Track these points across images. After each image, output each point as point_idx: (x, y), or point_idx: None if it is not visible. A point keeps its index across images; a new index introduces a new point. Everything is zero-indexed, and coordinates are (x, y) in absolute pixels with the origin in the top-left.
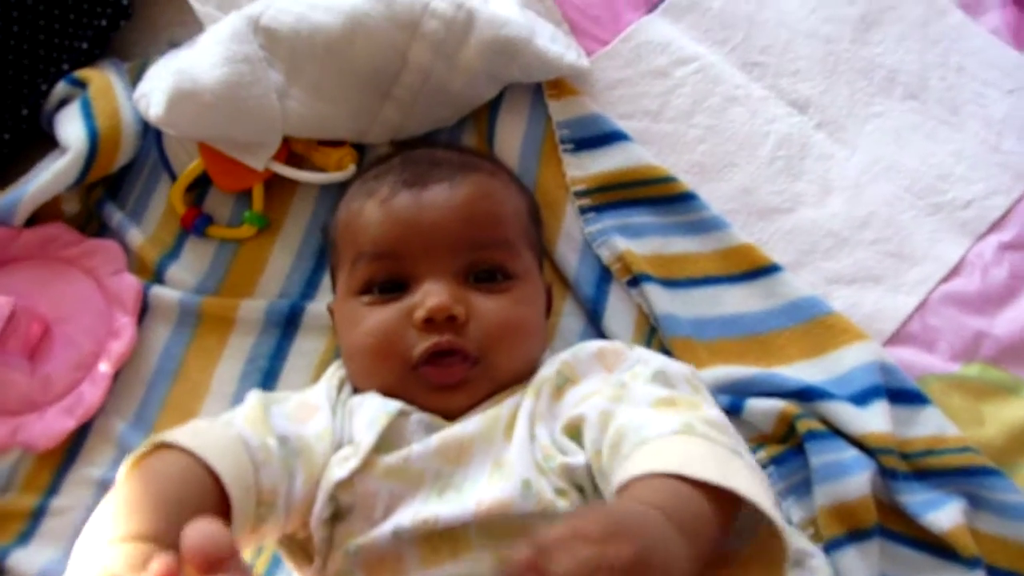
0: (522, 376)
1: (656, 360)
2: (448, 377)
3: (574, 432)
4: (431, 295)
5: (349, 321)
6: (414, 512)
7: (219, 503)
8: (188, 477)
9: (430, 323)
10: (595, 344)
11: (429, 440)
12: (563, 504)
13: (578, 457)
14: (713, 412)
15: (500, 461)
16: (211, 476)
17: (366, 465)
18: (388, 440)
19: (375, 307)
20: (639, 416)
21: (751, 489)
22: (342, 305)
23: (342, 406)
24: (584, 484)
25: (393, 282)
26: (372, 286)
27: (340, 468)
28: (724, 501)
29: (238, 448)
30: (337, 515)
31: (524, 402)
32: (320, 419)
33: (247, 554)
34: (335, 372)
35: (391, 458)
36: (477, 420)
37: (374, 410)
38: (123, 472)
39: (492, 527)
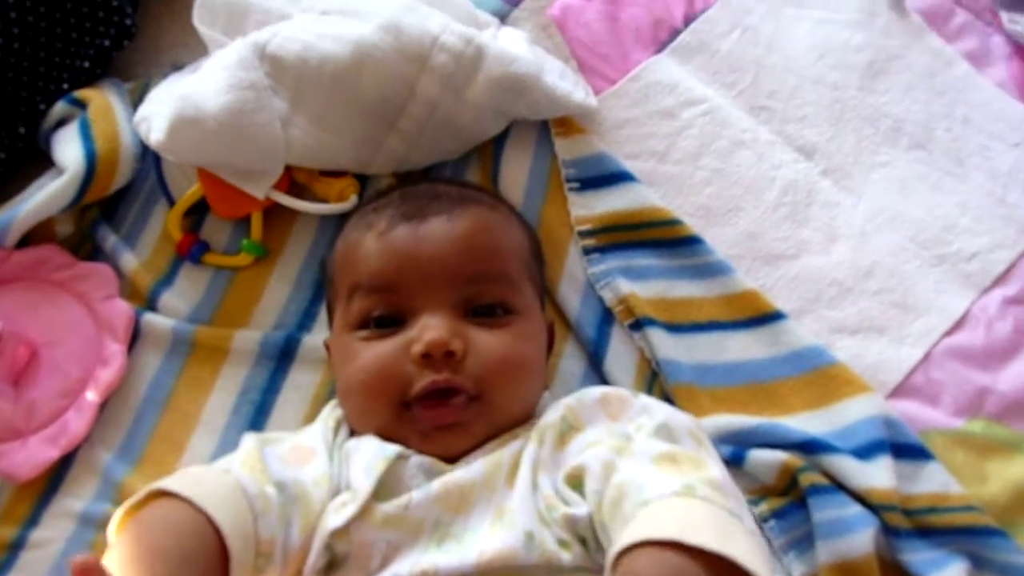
0: (520, 418)
1: (660, 411)
2: (441, 418)
3: (576, 482)
4: (429, 329)
5: (344, 356)
6: (412, 563)
7: (218, 554)
8: (188, 529)
9: (427, 358)
10: (599, 390)
11: (429, 487)
12: (566, 556)
13: (580, 508)
14: (715, 471)
15: (502, 509)
16: (211, 527)
17: (363, 513)
18: (386, 486)
19: (371, 342)
20: (640, 473)
21: (748, 556)
22: (338, 340)
23: (339, 450)
24: (587, 535)
25: (390, 316)
26: (369, 320)
27: (336, 516)
28: (722, 567)
29: (237, 497)
30: (332, 564)
31: (528, 448)
32: (317, 464)
33: None
34: (331, 413)
35: (389, 506)
36: (479, 465)
37: (371, 454)
38: (118, 521)
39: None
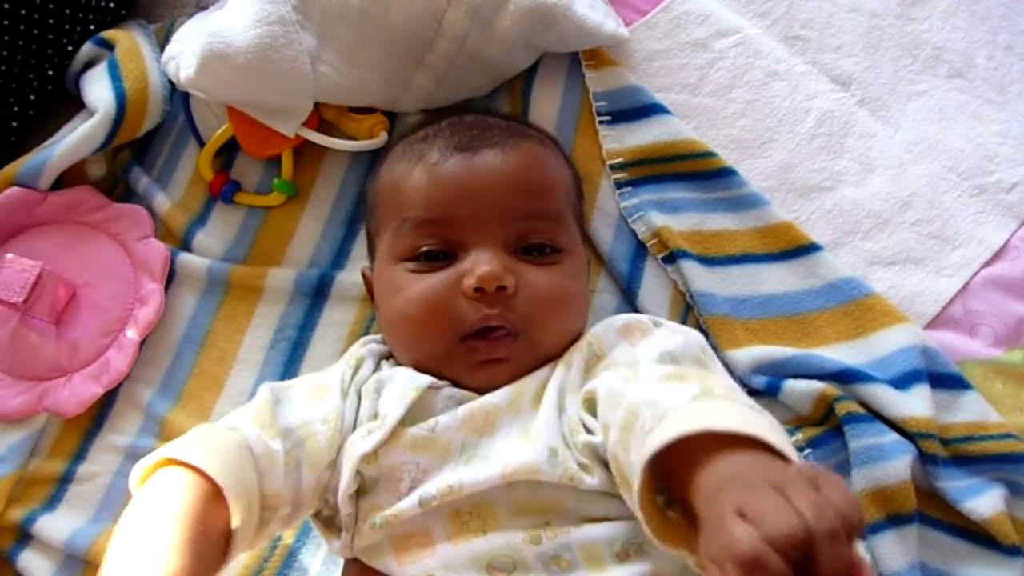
0: (562, 350)
1: (675, 337)
2: (493, 351)
3: (591, 407)
4: (481, 263)
5: (391, 288)
6: (439, 482)
7: (223, 515)
8: (194, 496)
9: (480, 292)
10: (622, 318)
11: (455, 411)
12: (588, 478)
13: (599, 436)
14: (724, 379)
15: (527, 430)
16: (216, 491)
17: (392, 438)
18: (415, 414)
19: (421, 275)
20: (650, 393)
21: (775, 436)
22: (383, 271)
23: (356, 387)
24: (608, 460)
25: (440, 250)
26: (418, 252)
27: (365, 441)
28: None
29: (243, 458)
30: (362, 489)
31: (555, 373)
32: (329, 401)
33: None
34: (355, 351)
35: (417, 429)
36: (504, 391)
37: (404, 384)
38: (136, 483)
39: (520, 501)
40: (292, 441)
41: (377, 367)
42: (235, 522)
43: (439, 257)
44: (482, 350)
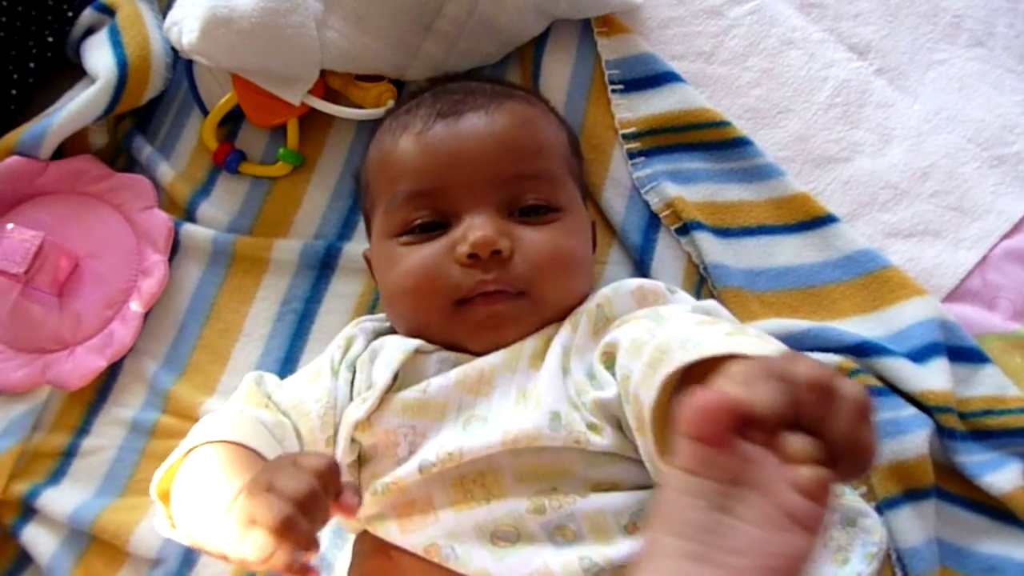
0: (568, 312)
1: (699, 303)
2: (491, 305)
3: (610, 360)
4: (474, 228)
5: (388, 263)
6: (438, 446)
7: None
8: (240, 456)
9: (474, 258)
10: (635, 282)
11: (448, 373)
12: (596, 439)
13: (611, 390)
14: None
15: (525, 390)
16: (256, 456)
17: (383, 403)
18: (407, 378)
19: (415, 247)
20: (682, 331)
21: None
22: (379, 248)
23: (347, 364)
24: (620, 417)
25: (433, 220)
26: (412, 226)
27: (358, 409)
28: None
29: (261, 430)
30: (362, 459)
31: (560, 333)
32: (320, 382)
33: None
34: (347, 332)
35: (408, 393)
36: (499, 353)
37: (392, 350)
38: (161, 481)
39: (526, 465)
40: (292, 420)
41: (371, 342)
42: None
43: (433, 228)
44: (479, 305)
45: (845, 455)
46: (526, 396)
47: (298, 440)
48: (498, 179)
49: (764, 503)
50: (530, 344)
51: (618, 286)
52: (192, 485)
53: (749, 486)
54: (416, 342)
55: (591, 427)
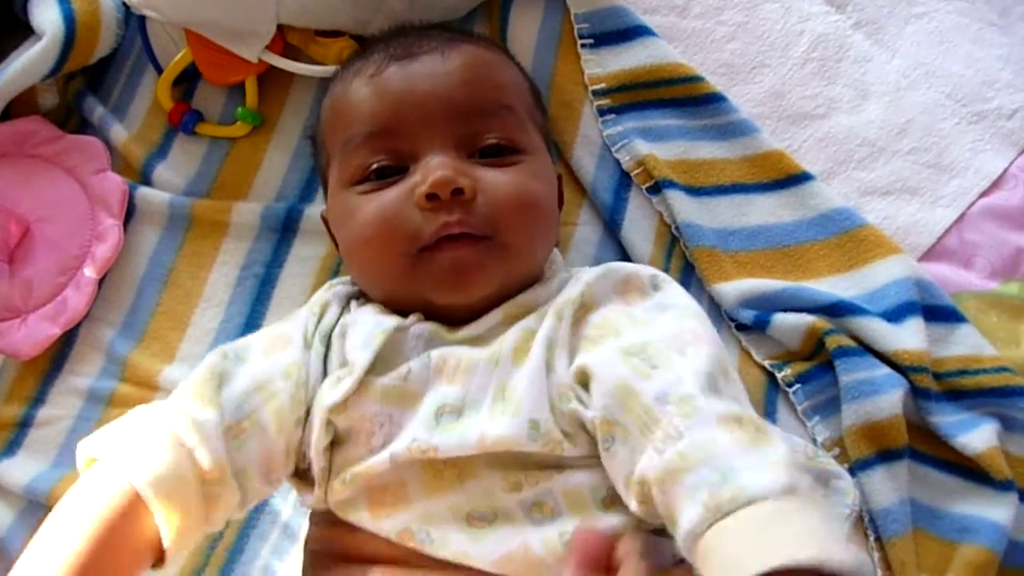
0: (534, 267)
1: (677, 308)
2: (456, 250)
3: (583, 382)
4: (432, 168)
5: (345, 215)
6: (411, 438)
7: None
8: (114, 504)
9: (434, 200)
10: (623, 270)
11: (428, 357)
12: (570, 447)
13: (589, 412)
14: (782, 445)
15: (504, 387)
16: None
17: (361, 387)
18: (385, 359)
19: (372, 194)
20: (714, 443)
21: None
22: (336, 201)
23: (321, 335)
24: (593, 433)
25: (391, 165)
26: (368, 171)
27: (333, 391)
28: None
29: (170, 445)
30: (336, 440)
31: (544, 324)
32: (289, 353)
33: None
34: (319, 297)
35: (387, 379)
36: (481, 337)
37: (369, 328)
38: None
39: (499, 459)
40: (251, 404)
41: (345, 309)
42: (158, 511)
43: (391, 174)
44: (443, 251)
45: None
46: (505, 395)
47: (256, 433)
48: (455, 116)
49: None
50: (512, 336)
51: (605, 272)
52: (47, 534)
53: None
54: (394, 321)
55: (566, 435)
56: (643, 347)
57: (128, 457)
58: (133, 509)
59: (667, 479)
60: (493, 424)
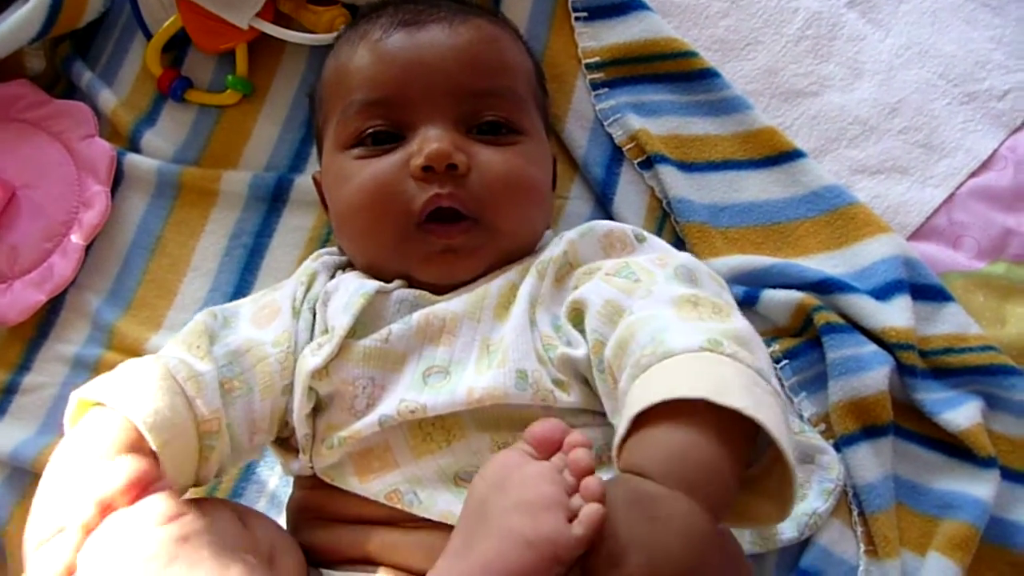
0: (524, 248)
1: (679, 254)
2: (448, 236)
3: (578, 317)
4: (429, 140)
5: (339, 179)
6: (399, 399)
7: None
8: (118, 438)
9: (428, 171)
10: (604, 227)
11: (410, 318)
12: (563, 396)
13: (581, 349)
14: (739, 322)
15: (489, 342)
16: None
17: (342, 351)
18: (366, 323)
19: (368, 160)
20: (658, 317)
21: (776, 425)
22: (330, 163)
23: (309, 304)
24: (588, 375)
25: (387, 132)
26: (364, 136)
27: (315, 356)
28: (744, 430)
29: (168, 387)
30: (318, 407)
31: (526, 282)
32: (279, 323)
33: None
34: (307, 267)
35: (369, 341)
36: (463, 297)
37: (350, 292)
38: (67, 422)
39: (489, 417)
40: (240, 365)
41: (332, 279)
42: (157, 449)
43: (387, 140)
44: (436, 234)
45: None
46: (490, 349)
47: (246, 394)
48: (458, 91)
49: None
50: (494, 291)
51: (586, 231)
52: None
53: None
54: (375, 284)
55: (558, 384)
56: (624, 265)
57: (128, 398)
58: (136, 444)
59: (618, 354)
60: (481, 378)
